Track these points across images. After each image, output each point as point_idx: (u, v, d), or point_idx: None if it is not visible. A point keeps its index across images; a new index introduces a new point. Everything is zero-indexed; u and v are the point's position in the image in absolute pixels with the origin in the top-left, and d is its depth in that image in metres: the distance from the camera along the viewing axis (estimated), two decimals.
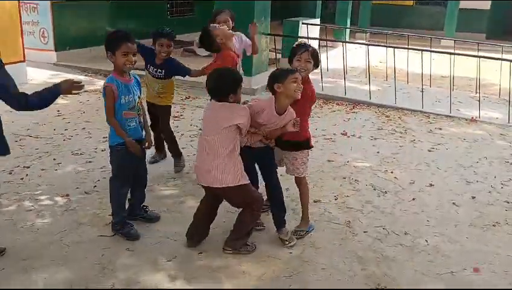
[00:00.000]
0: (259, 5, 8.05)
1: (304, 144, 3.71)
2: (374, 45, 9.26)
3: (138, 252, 3.44)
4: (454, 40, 10.95)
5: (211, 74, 3.42)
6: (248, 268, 3.32)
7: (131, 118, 3.50)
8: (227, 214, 3.97)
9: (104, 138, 5.67)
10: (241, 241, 3.51)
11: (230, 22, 4.73)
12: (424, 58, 7.97)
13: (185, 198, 4.31)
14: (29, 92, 3.15)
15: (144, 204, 3.91)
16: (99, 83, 8.30)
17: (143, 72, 4.64)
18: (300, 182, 3.84)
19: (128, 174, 3.62)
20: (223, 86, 3.31)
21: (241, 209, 3.52)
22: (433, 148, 5.97)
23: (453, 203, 4.49)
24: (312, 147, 3.79)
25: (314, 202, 4.29)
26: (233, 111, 3.29)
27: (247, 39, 4.95)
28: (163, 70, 4.56)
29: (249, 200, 3.40)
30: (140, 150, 3.57)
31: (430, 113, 7.53)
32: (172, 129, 4.92)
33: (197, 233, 3.59)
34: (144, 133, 3.67)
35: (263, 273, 3.27)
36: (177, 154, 4.91)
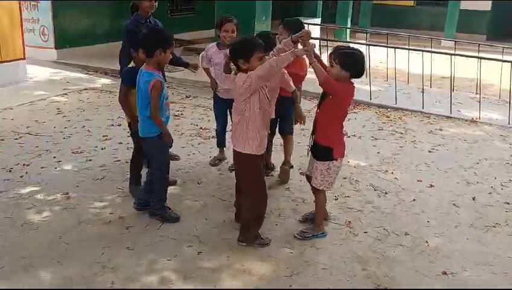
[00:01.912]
0: (260, 4, 8.04)
1: (322, 151, 3.63)
2: (374, 45, 9.24)
3: (138, 251, 3.44)
4: (455, 41, 10.95)
5: None
6: (248, 268, 3.31)
7: (168, 106, 3.72)
8: (227, 213, 3.97)
9: (103, 136, 5.67)
10: (251, 233, 3.55)
11: (236, 31, 4.53)
12: (424, 59, 7.96)
13: (185, 197, 4.30)
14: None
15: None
16: (100, 81, 8.28)
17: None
18: (316, 194, 3.77)
19: (168, 160, 3.82)
20: (232, 50, 3.44)
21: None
22: (434, 149, 5.97)
23: (454, 204, 4.48)
24: (335, 159, 3.63)
25: (314, 202, 4.26)
26: (235, 82, 3.40)
27: None
28: None
29: (250, 173, 3.49)
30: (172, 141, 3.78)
31: (431, 113, 7.52)
32: (172, 129, 4.87)
33: (237, 205, 3.81)
34: None
35: (264, 273, 3.27)
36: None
